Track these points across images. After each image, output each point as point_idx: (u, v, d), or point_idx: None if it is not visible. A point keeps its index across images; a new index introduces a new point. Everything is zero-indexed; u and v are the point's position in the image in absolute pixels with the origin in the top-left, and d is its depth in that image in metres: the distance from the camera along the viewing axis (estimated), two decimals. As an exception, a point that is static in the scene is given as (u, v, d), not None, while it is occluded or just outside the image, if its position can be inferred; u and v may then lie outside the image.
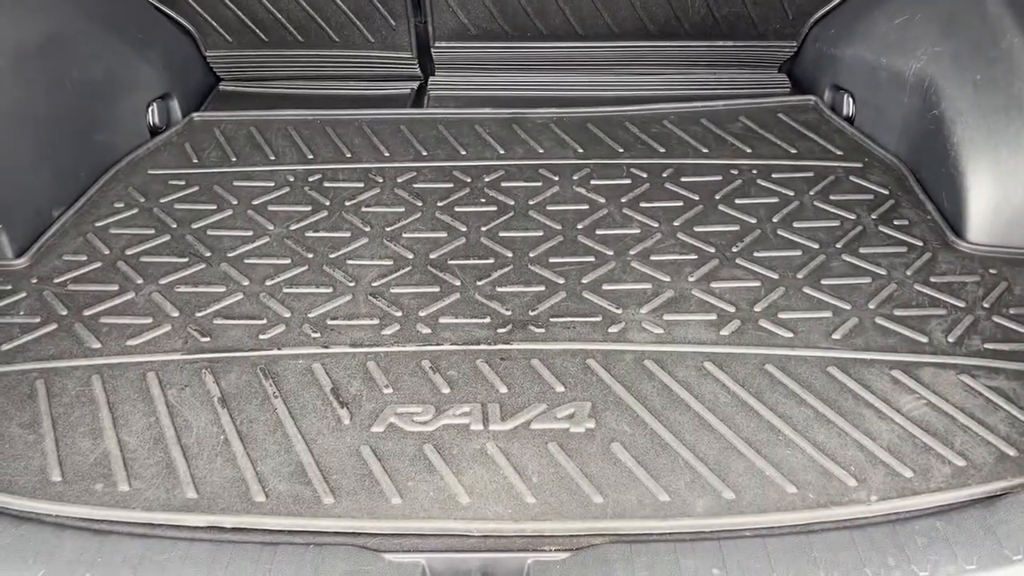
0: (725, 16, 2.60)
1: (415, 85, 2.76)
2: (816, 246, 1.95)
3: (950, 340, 1.69)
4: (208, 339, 1.73)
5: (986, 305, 1.77)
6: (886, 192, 2.12)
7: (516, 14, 2.61)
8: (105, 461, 1.47)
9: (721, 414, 1.54)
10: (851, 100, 2.42)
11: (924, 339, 1.69)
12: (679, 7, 2.58)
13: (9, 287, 1.87)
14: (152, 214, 2.10)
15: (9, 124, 1.98)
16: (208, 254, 1.97)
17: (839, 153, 2.27)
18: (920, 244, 1.94)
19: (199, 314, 1.79)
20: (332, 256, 1.96)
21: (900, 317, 1.75)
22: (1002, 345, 1.68)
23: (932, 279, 1.84)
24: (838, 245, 1.95)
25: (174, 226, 2.06)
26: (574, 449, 1.48)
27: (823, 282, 1.84)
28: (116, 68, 2.35)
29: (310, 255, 1.97)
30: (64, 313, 1.80)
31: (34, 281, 1.89)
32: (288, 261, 1.95)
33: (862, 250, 1.93)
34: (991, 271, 1.86)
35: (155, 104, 2.47)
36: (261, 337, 1.73)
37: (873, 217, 2.03)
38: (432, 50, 2.70)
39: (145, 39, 2.51)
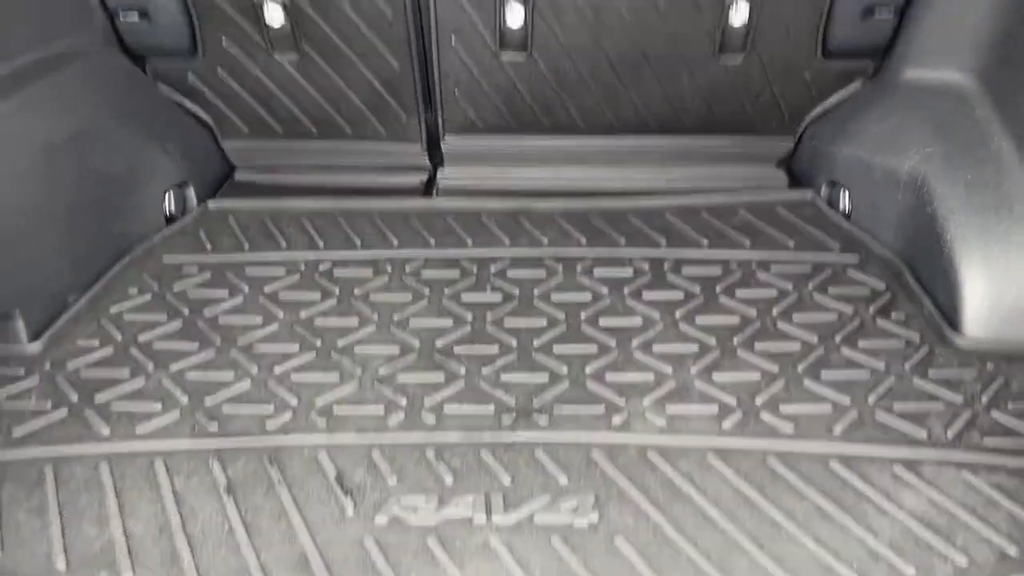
0: (724, 114, 2.70)
1: (425, 176, 2.84)
2: (815, 339, 1.98)
3: (949, 435, 1.70)
4: (216, 426, 1.75)
5: (984, 400, 1.79)
6: (883, 286, 2.16)
7: (523, 111, 2.71)
8: (110, 549, 1.48)
9: (723, 508, 1.55)
10: (847, 196, 2.48)
11: (924, 434, 1.70)
12: (679, 105, 2.68)
13: (22, 371, 1.90)
14: (165, 300, 2.15)
15: (34, 215, 2.04)
16: (219, 341, 2.00)
17: (836, 247, 2.32)
18: (917, 339, 1.97)
19: (208, 401, 1.82)
20: (340, 343, 1.99)
21: (899, 412, 1.76)
22: (1001, 441, 1.69)
23: (930, 373, 1.86)
24: (837, 339, 1.98)
25: (186, 313, 2.10)
26: (577, 543, 1.48)
27: (823, 376, 1.87)
28: (136, 160, 2.42)
29: (318, 342, 2.00)
30: (75, 399, 1.82)
31: (47, 366, 1.92)
32: (296, 348, 1.98)
33: (861, 344, 1.96)
34: (988, 366, 1.88)
35: (171, 192, 2.54)
36: (268, 424, 1.75)
37: (871, 311, 2.07)
38: (442, 143, 2.79)
39: (165, 131, 2.59)
